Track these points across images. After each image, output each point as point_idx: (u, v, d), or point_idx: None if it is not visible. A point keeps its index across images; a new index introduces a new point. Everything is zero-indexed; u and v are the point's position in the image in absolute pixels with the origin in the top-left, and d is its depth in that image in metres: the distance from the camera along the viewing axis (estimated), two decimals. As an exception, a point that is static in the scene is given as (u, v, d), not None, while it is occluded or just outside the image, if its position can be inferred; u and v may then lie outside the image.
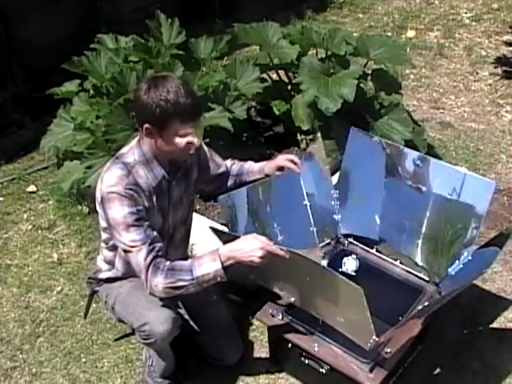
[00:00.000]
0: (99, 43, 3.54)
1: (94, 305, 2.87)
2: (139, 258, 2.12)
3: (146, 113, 2.10)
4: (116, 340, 2.77)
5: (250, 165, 2.63)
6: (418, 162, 2.59)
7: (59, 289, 3.06)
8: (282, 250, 2.06)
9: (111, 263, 2.40)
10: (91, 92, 3.36)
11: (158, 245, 2.17)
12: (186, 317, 2.56)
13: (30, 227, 3.45)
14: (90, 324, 2.86)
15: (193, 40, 3.59)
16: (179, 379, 2.54)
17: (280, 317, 2.48)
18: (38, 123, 3.99)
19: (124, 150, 2.26)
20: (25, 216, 3.53)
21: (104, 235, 2.36)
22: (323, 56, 3.58)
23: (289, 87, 3.76)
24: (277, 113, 3.57)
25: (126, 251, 2.17)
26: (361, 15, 5.92)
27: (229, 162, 2.63)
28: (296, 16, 5.66)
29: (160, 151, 2.18)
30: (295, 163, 2.56)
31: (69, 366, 2.70)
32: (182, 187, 2.33)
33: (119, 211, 2.13)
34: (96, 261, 2.50)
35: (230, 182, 2.60)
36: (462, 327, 2.81)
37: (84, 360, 2.71)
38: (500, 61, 5.02)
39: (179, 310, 2.49)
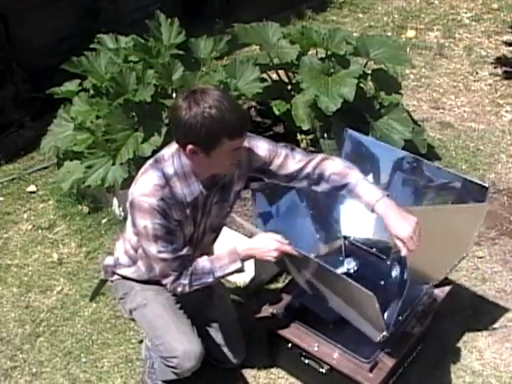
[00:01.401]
0: (99, 43, 3.54)
1: (93, 304, 2.88)
2: (166, 268, 2.14)
3: (189, 134, 1.97)
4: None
5: (359, 190, 2.15)
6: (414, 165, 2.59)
7: (59, 289, 3.06)
8: (296, 251, 2.15)
9: (133, 260, 2.33)
10: (91, 92, 3.36)
11: (185, 253, 2.16)
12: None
13: (29, 227, 3.45)
14: (90, 324, 2.86)
15: (193, 40, 3.59)
16: (179, 380, 2.53)
17: (280, 317, 2.48)
18: (38, 123, 3.99)
19: (165, 153, 2.14)
20: (25, 216, 3.53)
21: (130, 230, 2.25)
22: (323, 56, 3.59)
23: (289, 87, 3.76)
24: (277, 113, 3.57)
25: (152, 259, 2.16)
26: (361, 15, 5.91)
27: (324, 167, 2.22)
28: (296, 16, 5.66)
29: (201, 168, 2.09)
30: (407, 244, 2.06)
31: (69, 365, 2.70)
32: (217, 200, 2.23)
33: (149, 223, 2.07)
34: (115, 248, 2.40)
35: (323, 187, 2.24)
36: (462, 327, 2.81)
37: (84, 360, 2.71)
38: (500, 61, 5.02)
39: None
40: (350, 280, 2.10)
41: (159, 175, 2.09)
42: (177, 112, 1.98)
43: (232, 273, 2.21)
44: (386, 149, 2.71)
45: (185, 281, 2.17)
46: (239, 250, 2.19)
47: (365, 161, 2.68)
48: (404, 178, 2.63)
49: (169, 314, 2.33)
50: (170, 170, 2.10)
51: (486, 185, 2.42)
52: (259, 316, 2.52)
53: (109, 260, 2.43)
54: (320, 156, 2.25)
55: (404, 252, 2.06)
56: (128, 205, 2.14)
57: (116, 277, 2.42)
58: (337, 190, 2.23)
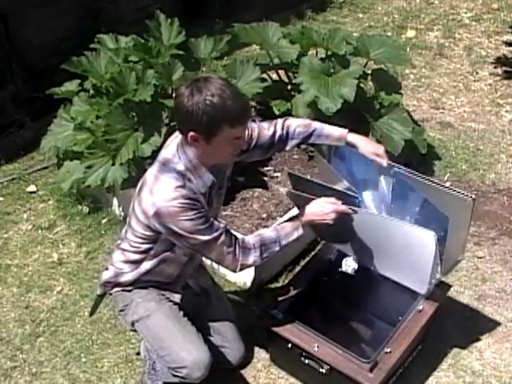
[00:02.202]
0: (99, 43, 3.54)
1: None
2: (224, 248, 2.15)
3: (191, 121, 1.98)
4: (138, 354, 2.70)
5: (328, 129, 2.40)
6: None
7: (59, 289, 3.06)
8: (351, 209, 2.28)
9: (135, 266, 2.31)
10: (91, 92, 3.36)
11: (226, 226, 2.18)
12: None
13: (30, 227, 3.45)
14: (90, 324, 2.86)
15: (193, 40, 3.59)
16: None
17: (280, 317, 2.48)
18: (38, 123, 3.99)
19: (167, 154, 2.14)
20: (25, 216, 3.53)
21: (135, 240, 2.25)
22: (323, 56, 3.59)
23: (289, 87, 3.76)
24: (277, 113, 3.57)
25: (206, 249, 2.15)
26: (361, 15, 5.91)
27: (288, 123, 2.39)
28: (296, 16, 5.66)
29: (204, 157, 2.09)
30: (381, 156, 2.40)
31: (69, 366, 2.70)
32: (216, 189, 2.26)
33: (186, 222, 2.06)
34: (112, 261, 2.37)
35: (291, 144, 2.41)
36: (461, 327, 2.81)
37: (84, 360, 2.71)
38: (500, 61, 5.02)
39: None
40: (404, 222, 2.32)
41: (175, 176, 2.09)
42: (179, 99, 2.00)
43: (295, 239, 2.27)
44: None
45: (256, 253, 2.20)
46: (301, 217, 2.27)
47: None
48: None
49: (173, 323, 2.31)
50: (180, 167, 2.10)
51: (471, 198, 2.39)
52: (259, 316, 2.52)
53: (107, 274, 2.38)
54: (280, 119, 2.42)
55: (385, 163, 2.37)
56: (153, 218, 2.10)
57: (116, 289, 2.38)
58: (305, 140, 2.41)
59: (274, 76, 3.85)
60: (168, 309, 2.33)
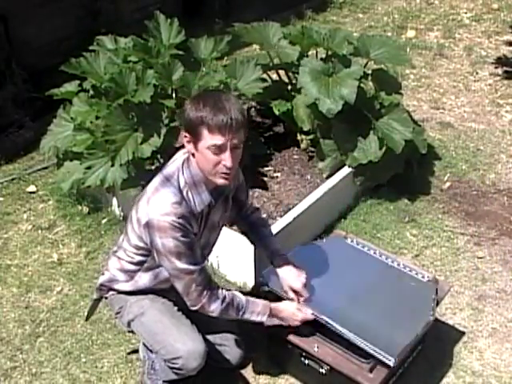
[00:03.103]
0: (98, 45, 3.53)
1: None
2: (193, 284, 2.18)
3: (184, 119, 2.10)
4: (129, 354, 2.72)
5: (270, 240, 2.53)
6: None
7: (59, 289, 3.06)
8: (316, 317, 2.36)
9: (130, 276, 2.35)
10: (91, 92, 3.36)
11: (205, 266, 2.26)
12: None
13: (29, 227, 3.45)
14: (90, 324, 2.86)
15: (193, 40, 3.59)
16: (179, 380, 2.53)
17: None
18: (38, 123, 3.99)
19: (170, 168, 2.19)
20: (25, 216, 3.53)
21: (130, 250, 2.29)
22: (323, 56, 3.58)
23: (289, 87, 3.76)
24: (277, 113, 3.57)
25: (176, 276, 2.19)
26: (361, 15, 5.92)
27: (259, 210, 2.60)
28: (296, 16, 5.67)
29: (200, 168, 2.13)
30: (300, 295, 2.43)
31: (69, 366, 2.70)
32: (220, 213, 2.31)
33: (171, 241, 2.10)
34: (107, 266, 2.42)
35: (244, 228, 2.57)
36: (462, 327, 2.82)
37: (84, 360, 2.71)
38: (500, 61, 5.03)
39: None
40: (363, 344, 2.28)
41: (174, 192, 2.13)
42: (185, 103, 2.15)
43: (253, 322, 2.31)
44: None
45: (220, 305, 2.23)
46: (273, 306, 2.34)
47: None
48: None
49: (167, 317, 2.33)
50: (181, 182, 2.15)
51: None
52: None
53: (103, 278, 2.42)
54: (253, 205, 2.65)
55: (296, 301, 2.41)
56: (144, 226, 2.14)
57: (111, 293, 2.41)
58: (251, 231, 2.54)
59: (274, 76, 3.85)
60: (161, 304, 2.36)
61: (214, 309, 2.23)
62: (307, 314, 2.37)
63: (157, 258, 2.20)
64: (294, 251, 2.66)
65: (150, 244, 2.18)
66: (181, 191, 2.13)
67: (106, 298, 2.45)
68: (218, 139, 2.05)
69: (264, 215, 3.19)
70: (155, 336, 2.33)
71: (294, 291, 2.42)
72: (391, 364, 2.25)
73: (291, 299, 2.42)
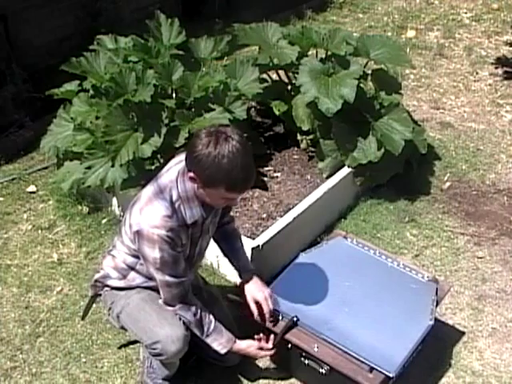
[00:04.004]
0: (98, 44, 3.54)
1: (93, 305, 2.87)
2: (171, 293, 2.27)
3: (197, 165, 2.05)
4: (120, 348, 2.75)
5: (241, 254, 2.57)
6: None
7: (59, 289, 3.06)
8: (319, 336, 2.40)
9: (123, 275, 2.40)
10: (91, 92, 3.36)
11: (187, 280, 2.29)
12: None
13: (29, 227, 3.45)
14: (90, 324, 2.86)
15: (193, 40, 3.59)
16: (179, 379, 2.54)
17: (279, 317, 2.48)
18: (38, 123, 3.99)
19: (165, 178, 2.21)
20: (25, 216, 3.53)
21: (123, 250, 2.35)
22: (323, 56, 3.58)
23: (289, 87, 3.76)
24: (277, 113, 3.58)
25: (159, 284, 2.27)
26: (361, 15, 5.92)
27: (230, 219, 2.59)
28: (296, 16, 5.67)
29: (199, 194, 2.16)
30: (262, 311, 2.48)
31: (69, 366, 2.70)
32: (210, 218, 2.34)
33: (158, 252, 2.16)
34: (102, 265, 2.47)
35: (217, 237, 2.56)
36: (462, 327, 2.82)
37: (84, 360, 2.71)
38: (500, 61, 5.03)
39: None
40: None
41: (166, 205, 2.16)
42: (196, 141, 2.06)
43: (213, 349, 2.38)
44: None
45: (190, 317, 2.31)
46: (236, 344, 2.40)
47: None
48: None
49: (149, 305, 2.37)
50: (174, 196, 2.17)
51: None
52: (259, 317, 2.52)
53: (97, 275, 2.48)
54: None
55: (255, 315, 2.47)
56: (134, 234, 2.20)
57: (105, 289, 2.46)
58: (225, 241, 2.57)
59: (274, 76, 3.85)
60: (147, 295, 2.39)
61: (185, 319, 2.31)
62: (268, 352, 2.45)
63: (143, 263, 2.27)
64: (298, 259, 2.70)
65: (138, 250, 2.24)
66: (173, 204, 2.17)
67: (100, 294, 2.49)
68: (236, 196, 2.15)
69: (264, 215, 3.20)
70: (138, 323, 2.37)
71: (257, 303, 2.47)
72: (391, 375, 2.27)
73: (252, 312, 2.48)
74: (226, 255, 2.60)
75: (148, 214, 2.16)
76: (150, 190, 2.22)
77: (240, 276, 2.54)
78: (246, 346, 2.43)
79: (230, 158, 2.01)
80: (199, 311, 2.33)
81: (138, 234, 2.17)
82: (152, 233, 2.13)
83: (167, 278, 2.22)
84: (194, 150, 2.05)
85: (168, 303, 2.31)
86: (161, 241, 2.14)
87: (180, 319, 2.33)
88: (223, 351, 2.39)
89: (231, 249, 2.58)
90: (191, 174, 2.09)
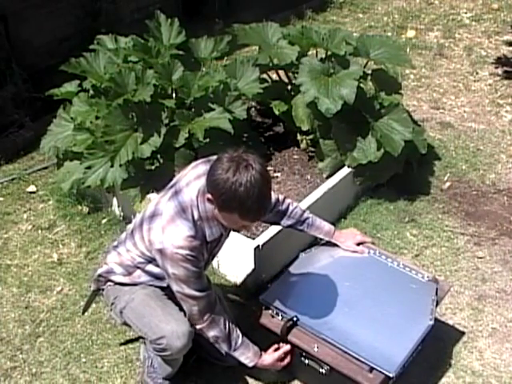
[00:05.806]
0: (98, 44, 3.54)
1: (93, 305, 2.88)
2: (196, 308, 2.28)
3: (214, 189, 2.09)
4: (122, 344, 2.75)
5: (319, 222, 2.67)
6: None
7: (59, 289, 3.06)
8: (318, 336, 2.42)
9: (128, 272, 2.39)
10: (91, 92, 3.36)
11: (213, 292, 2.31)
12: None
13: (29, 227, 3.45)
14: (90, 324, 2.86)
15: (193, 40, 3.59)
16: (179, 379, 2.54)
17: (280, 318, 2.48)
18: (38, 123, 3.99)
19: (186, 197, 2.22)
20: (25, 216, 3.53)
21: (134, 251, 2.35)
22: (323, 56, 3.58)
23: (289, 87, 3.76)
24: (277, 113, 3.57)
25: (181, 298, 2.28)
26: (361, 15, 5.92)
27: (288, 202, 2.61)
28: (296, 16, 5.67)
29: (216, 215, 2.20)
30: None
31: (69, 366, 2.69)
32: (228, 231, 2.41)
33: (182, 270, 2.19)
34: (106, 260, 2.46)
35: (287, 223, 2.61)
36: (461, 327, 2.82)
37: (84, 360, 2.71)
38: (500, 61, 5.03)
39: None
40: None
41: (190, 226, 2.19)
42: (217, 164, 2.09)
43: (240, 363, 2.42)
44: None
45: (219, 333, 2.33)
46: (261, 359, 2.43)
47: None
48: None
49: (155, 301, 2.37)
50: (195, 214, 2.21)
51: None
52: (259, 317, 2.52)
53: (101, 270, 2.47)
54: (280, 195, 2.62)
55: (366, 251, 2.68)
56: (156, 251, 2.22)
57: (108, 284, 2.45)
58: (297, 226, 2.63)
59: (274, 76, 3.86)
60: (152, 291, 2.39)
61: (212, 336, 2.34)
62: (285, 361, 2.48)
63: (166, 279, 2.29)
64: (298, 259, 2.71)
65: (160, 267, 2.26)
66: (195, 223, 2.20)
67: (103, 289, 2.48)
68: (246, 223, 2.19)
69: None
70: (142, 319, 2.36)
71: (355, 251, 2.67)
72: (391, 375, 2.26)
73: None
74: (305, 232, 2.67)
75: (172, 234, 2.18)
76: (170, 207, 2.22)
77: (329, 238, 2.68)
78: (269, 359, 2.45)
79: (246, 187, 2.03)
80: (227, 325, 2.34)
81: (161, 252, 2.19)
82: (176, 252, 2.16)
83: (193, 292, 2.24)
84: (214, 173, 2.08)
85: (195, 320, 2.31)
86: (185, 260, 2.17)
87: (185, 315, 2.32)
88: (250, 365, 2.41)
89: (307, 227, 2.64)
90: (209, 196, 2.13)
